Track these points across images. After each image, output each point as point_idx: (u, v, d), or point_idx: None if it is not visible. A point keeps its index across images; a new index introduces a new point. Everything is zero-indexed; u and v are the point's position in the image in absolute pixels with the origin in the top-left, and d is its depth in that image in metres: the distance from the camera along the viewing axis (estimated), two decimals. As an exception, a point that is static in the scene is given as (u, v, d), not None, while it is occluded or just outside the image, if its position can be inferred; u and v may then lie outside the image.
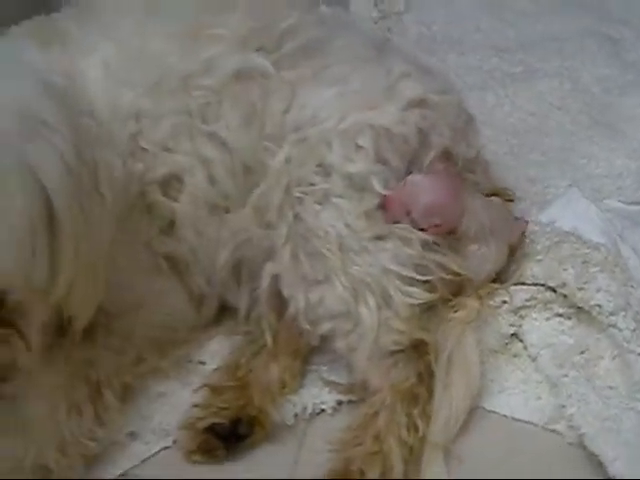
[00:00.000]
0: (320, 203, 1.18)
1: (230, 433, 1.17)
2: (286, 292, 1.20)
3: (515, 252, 1.31)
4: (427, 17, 2.16)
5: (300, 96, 1.23)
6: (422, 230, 1.20)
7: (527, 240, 1.34)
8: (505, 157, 1.64)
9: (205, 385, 1.22)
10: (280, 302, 1.22)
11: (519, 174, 1.60)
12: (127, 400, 1.21)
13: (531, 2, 2.23)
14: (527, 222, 1.35)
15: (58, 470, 1.11)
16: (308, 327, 1.19)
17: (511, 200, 1.38)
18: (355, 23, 1.66)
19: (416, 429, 1.14)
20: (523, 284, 1.31)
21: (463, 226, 1.23)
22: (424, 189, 1.21)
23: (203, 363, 1.29)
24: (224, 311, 1.32)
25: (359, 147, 1.19)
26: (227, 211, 1.23)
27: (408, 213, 1.19)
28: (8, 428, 1.12)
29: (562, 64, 1.97)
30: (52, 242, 1.00)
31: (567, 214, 1.41)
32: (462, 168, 1.28)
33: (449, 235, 1.23)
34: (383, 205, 1.19)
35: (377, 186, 1.18)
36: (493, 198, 1.30)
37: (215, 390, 1.21)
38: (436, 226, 1.21)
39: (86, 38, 1.22)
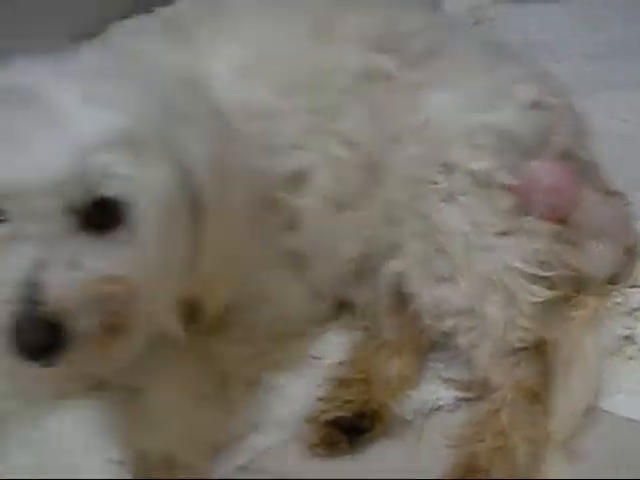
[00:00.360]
0: (444, 201, 1.21)
1: (353, 427, 1.20)
2: (410, 289, 1.22)
3: (630, 254, 1.32)
4: (519, 24, 2.17)
5: (422, 97, 1.26)
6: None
7: (639, 243, 1.36)
8: (606, 164, 1.65)
9: (332, 378, 1.26)
10: (401, 298, 1.25)
11: (624, 179, 1.61)
12: (249, 392, 1.24)
13: (619, 8, 2.24)
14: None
15: (184, 461, 1.14)
16: (431, 323, 1.22)
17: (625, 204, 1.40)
18: (466, 27, 1.68)
19: (538, 426, 1.16)
20: (637, 287, 1.34)
21: (579, 217, 1.26)
22: (543, 173, 1.25)
23: (318, 358, 1.32)
24: (341, 307, 1.35)
25: (481, 146, 1.22)
26: (351, 208, 1.25)
27: (530, 199, 1.23)
28: (135, 419, 1.16)
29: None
30: (194, 229, 1.04)
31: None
32: (579, 169, 1.30)
33: (563, 223, 1.25)
34: (508, 198, 1.22)
35: (501, 181, 1.21)
36: (610, 199, 1.32)
37: (342, 383, 1.25)
38: (553, 210, 1.23)
39: (209, 36, 1.26)
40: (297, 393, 1.27)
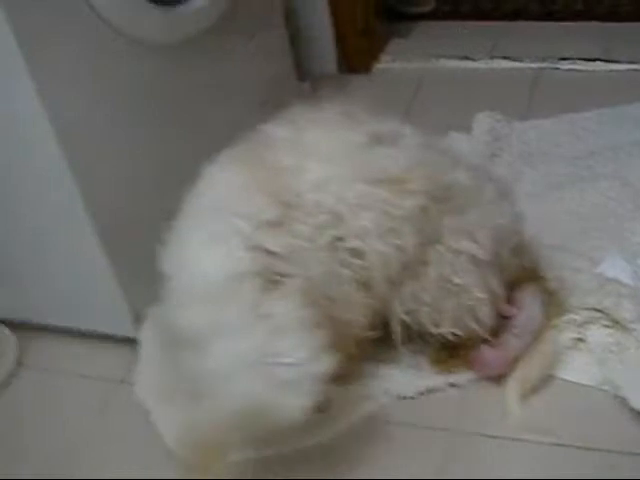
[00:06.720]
0: None
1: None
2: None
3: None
4: (525, 137, 2.89)
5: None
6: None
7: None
8: (575, 235, 2.38)
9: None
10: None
11: (588, 243, 2.37)
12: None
13: (596, 122, 2.89)
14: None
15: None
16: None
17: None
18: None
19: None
20: (587, 309, 2.11)
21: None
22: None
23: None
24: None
25: None
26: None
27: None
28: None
29: (616, 168, 2.62)
30: None
31: (611, 268, 2.24)
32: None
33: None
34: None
35: None
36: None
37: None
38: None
39: None
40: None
